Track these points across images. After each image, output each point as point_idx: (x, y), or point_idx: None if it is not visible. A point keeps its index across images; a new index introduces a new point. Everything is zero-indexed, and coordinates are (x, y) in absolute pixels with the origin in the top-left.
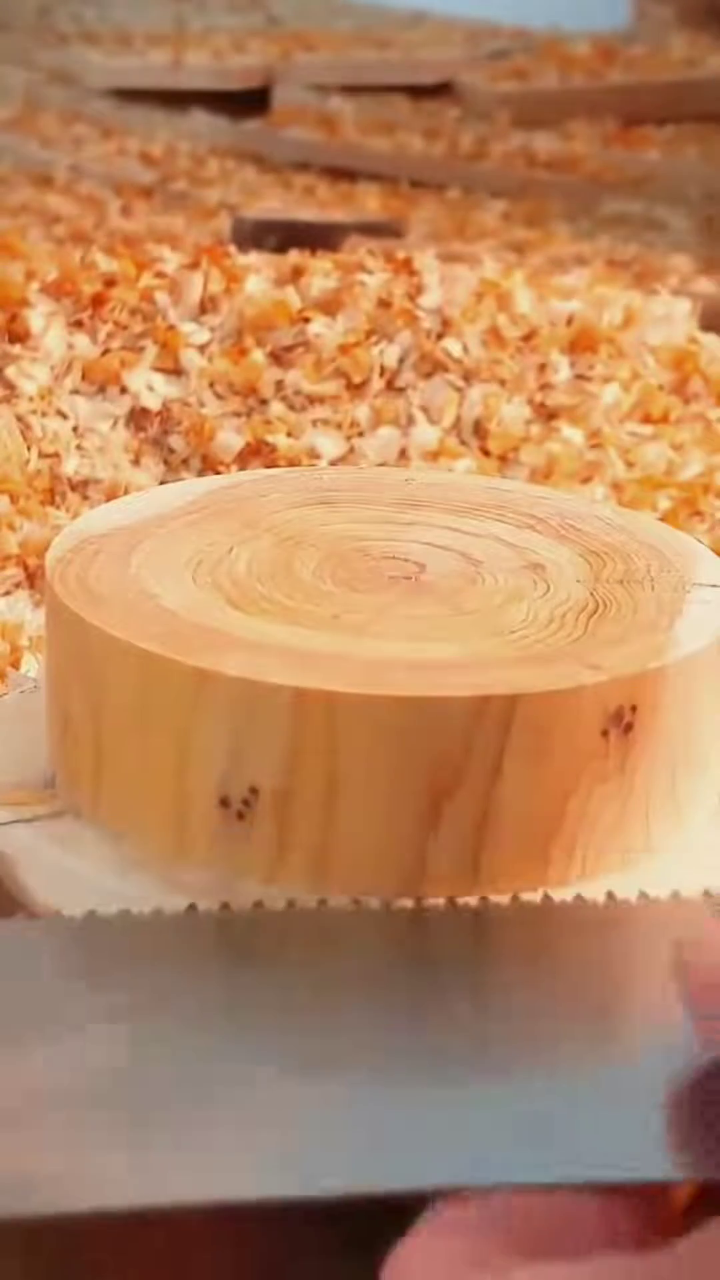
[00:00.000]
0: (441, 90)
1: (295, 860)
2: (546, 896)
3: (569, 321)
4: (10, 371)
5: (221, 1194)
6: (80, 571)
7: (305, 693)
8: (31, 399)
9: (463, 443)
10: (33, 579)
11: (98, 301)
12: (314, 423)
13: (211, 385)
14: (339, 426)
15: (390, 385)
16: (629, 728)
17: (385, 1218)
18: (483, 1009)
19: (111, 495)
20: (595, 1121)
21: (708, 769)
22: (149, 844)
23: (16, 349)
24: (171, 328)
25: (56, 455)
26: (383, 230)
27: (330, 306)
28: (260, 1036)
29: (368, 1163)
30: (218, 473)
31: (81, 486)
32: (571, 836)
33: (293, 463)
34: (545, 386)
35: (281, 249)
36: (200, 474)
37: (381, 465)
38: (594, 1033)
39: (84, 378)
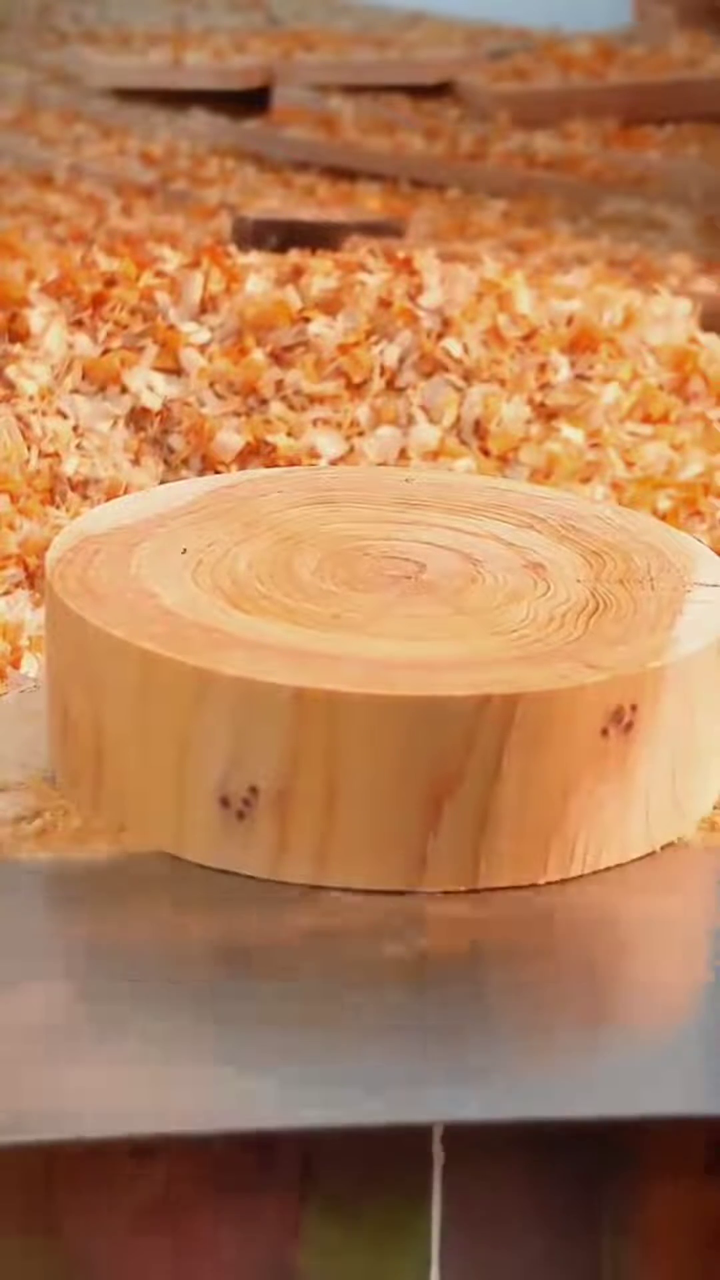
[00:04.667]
0: (442, 90)
1: (295, 859)
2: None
3: (569, 321)
4: (10, 371)
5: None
6: (80, 571)
7: (305, 692)
8: (31, 398)
9: (463, 443)
10: (33, 578)
11: (98, 301)
12: (314, 422)
13: (212, 385)
14: (339, 426)
15: (390, 385)
16: (629, 727)
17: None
18: None
19: (111, 495)
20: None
21: (708, 768)
22: (149, 843)
23: (17, 348)
24: (172, 327)
25: (56, 455)
26: (383, 230)
27: (330, 306)
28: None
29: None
30: (218, 472)
31: (81, 486)
32: (572, 834)
33: (293, 463)
34: (545, 386)
35: (282, 249)
36: (200, 474)
37: (381, 465)
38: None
39: (84, 377)
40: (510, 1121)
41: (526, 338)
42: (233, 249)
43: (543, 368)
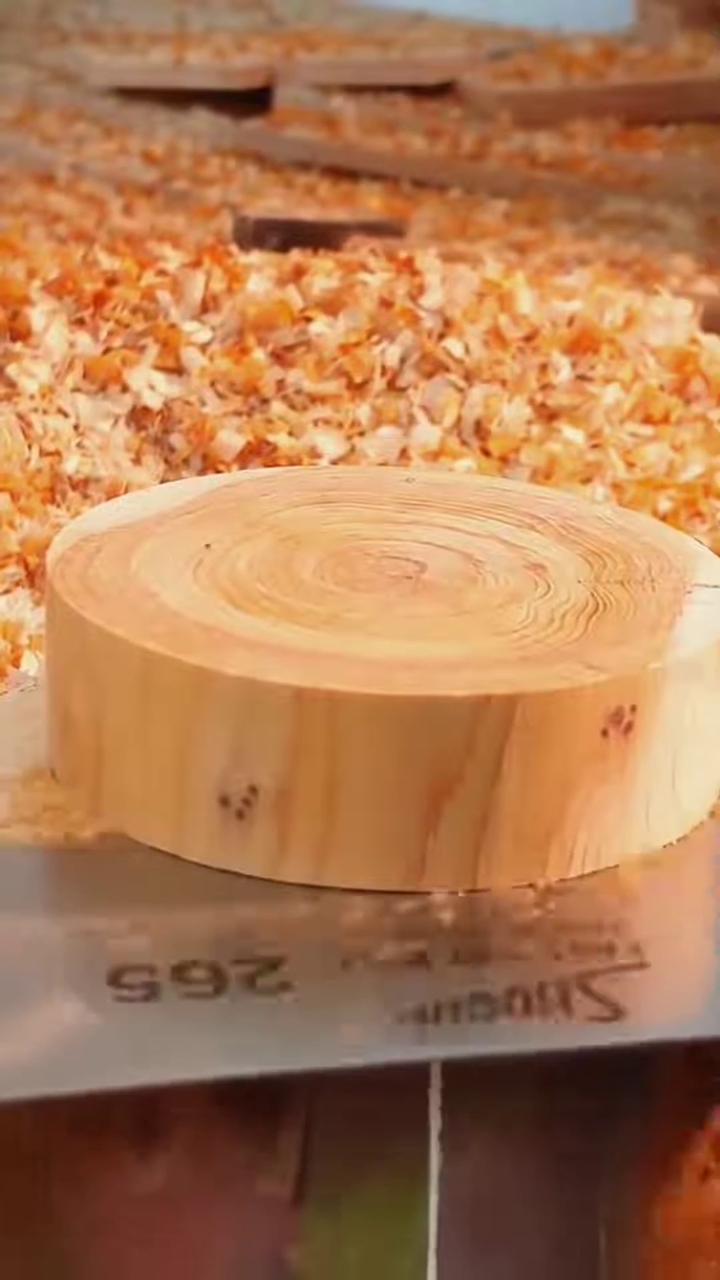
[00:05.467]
0: (443, 90)
1: (294, 859)
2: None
3: (570, 322)
4: (11, 370)
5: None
6: (81, 570)
7: (305, 692)
8: (33, 397)
9: (463, 443)
10: (33, 577)
11: (99, 300)
12: (315, 422)
13: (213, 384)
14: (340, 426)
15: (391, 385)
16: (629, 728)
17: None
18: None
19: (112, 494)
20: None
21: (708, 768)
22: (148, 842)
23: (18, 347)
24: (173, 326)
25: (57, 454)
26: (384, 230)
27: (332, 306)
28: None
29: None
30: (218, 472)
31: (82, 485)
32: (571, 835)
33: (293, 462)
34: (546, 387)
35: (283, 248)
36: (201, 473)
37: (382, 465)
38: None
39: (85, 376)
40: (507, 1054)
41: (528, 338)
42: (234, 248)
43: (544, 368)
